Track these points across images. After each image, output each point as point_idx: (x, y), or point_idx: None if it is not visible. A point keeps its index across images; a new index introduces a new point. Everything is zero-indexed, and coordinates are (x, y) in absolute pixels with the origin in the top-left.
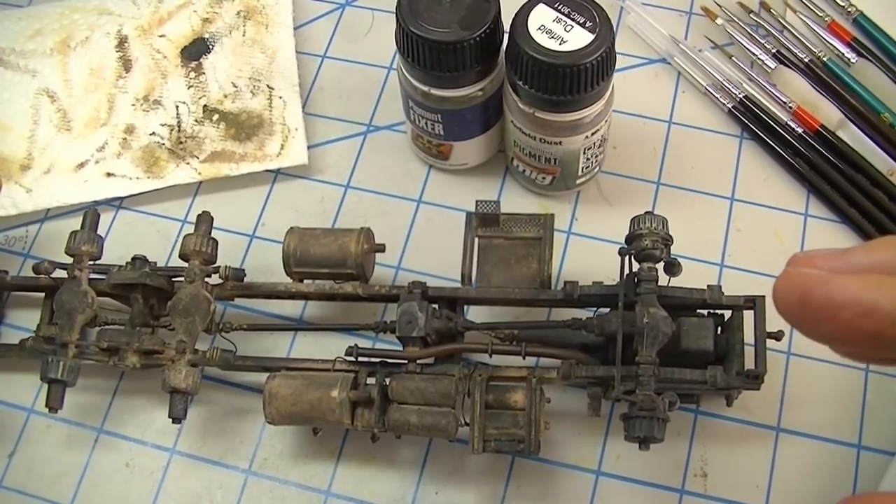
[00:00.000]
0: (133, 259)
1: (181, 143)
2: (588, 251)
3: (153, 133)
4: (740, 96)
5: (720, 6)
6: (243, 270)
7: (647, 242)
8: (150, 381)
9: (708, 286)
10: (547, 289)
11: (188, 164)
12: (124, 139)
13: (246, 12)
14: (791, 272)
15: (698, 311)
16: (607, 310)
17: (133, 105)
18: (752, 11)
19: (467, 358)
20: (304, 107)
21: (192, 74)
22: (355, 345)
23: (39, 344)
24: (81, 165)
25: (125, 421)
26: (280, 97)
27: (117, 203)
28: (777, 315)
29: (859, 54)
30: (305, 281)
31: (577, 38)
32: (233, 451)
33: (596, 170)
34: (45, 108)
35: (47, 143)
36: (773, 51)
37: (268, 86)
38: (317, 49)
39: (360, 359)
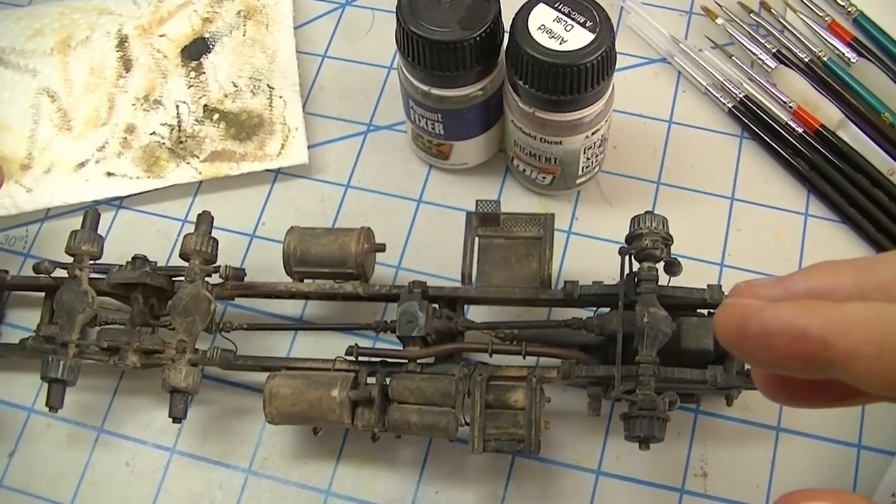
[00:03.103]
0: (133, 259)
1: (181, 142)
2: (588, 251)
3: (153, 133)
4: (740, 96)
5: (720, 6)
6: (243, 270)
7: (647, 242)
8: (151, 381)
9: (708, 286)
10: (547, 288)
11: (188, 163)
12: (125, 139)
13: (246, 12)
14: (729, 303)
15: (698, 310)
16: (607, 309)
17: (133, 105)
18: (752, 11)
19: (467, 357)
20: (304, 106)
21: (193, 74)
22: (355, 344)
23: (40, 343)
24: (82, 165)
25: (125, 420)
26: (280, 97)
27: (117, 203)
28: None
29: (859, 54)
30: (305, 280)
31: (578, 37)
32: (233, 451)
33: (596, 169)
34: (46, 108)
35: (47, 142)
36: (774, 50)
37: (268, 85)
38: (317, 49)
39: (360, 358)
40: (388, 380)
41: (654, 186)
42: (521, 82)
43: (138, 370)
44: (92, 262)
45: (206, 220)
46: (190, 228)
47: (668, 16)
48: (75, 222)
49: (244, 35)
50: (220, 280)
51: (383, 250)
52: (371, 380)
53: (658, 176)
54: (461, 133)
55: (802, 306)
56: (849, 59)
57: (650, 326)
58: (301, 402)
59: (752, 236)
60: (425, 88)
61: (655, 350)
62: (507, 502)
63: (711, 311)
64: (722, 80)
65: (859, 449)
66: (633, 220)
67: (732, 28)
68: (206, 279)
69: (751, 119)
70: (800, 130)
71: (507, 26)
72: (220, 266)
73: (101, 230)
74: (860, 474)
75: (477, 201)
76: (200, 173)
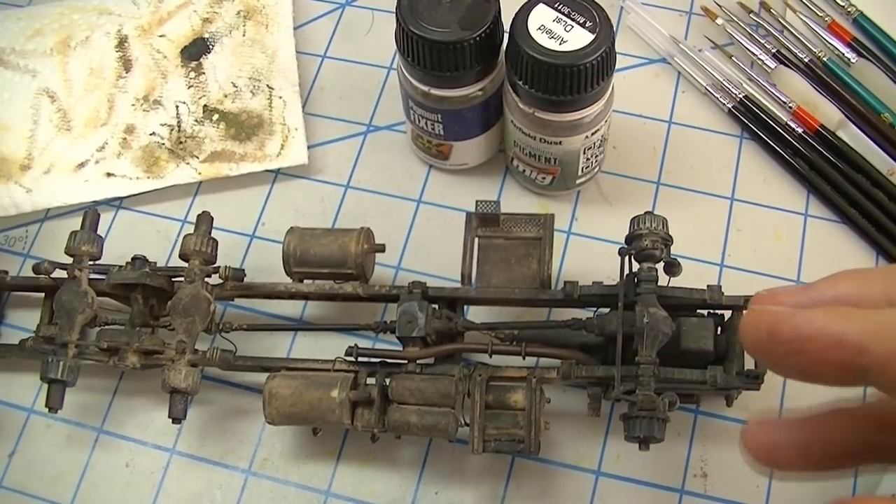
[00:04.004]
0: (133, 259)
1: (181, 142)
2: (588, 251)
3: (153, 133)
4: (740, 96)
5: (720, 6)
6: (243, 270)
7: (647, 242)
8: (150, 381)
9: (708, 286)
10: (547, 289)
11: (188, 164)
12: (124, 139)
13: (246, 12)
14: (757, 309)
15: (698, 311)
16: (607, 310)
17: (133, 105)
18: (752, 11)
19: (467, 358)
20: (304, 107)
21: (192, 74)
22: (355, 345)
23: (39, 344)
24: (81, 165)
25: (125, 421)
26: (280, 97)
27: (117, 203)
28: None
29: (859, 54)
30: (305, 281)
31: (577, 38)
32: (233, 452)
33: (596, 170)
34: (45, 108)
35: (47, 143)
36: (773, 51)
37: (268, 86)
38: (317, 49)
39: (360, 359)
40: (387, 380)
41: (653, 187)
42: (520, 83)
43: (138, 371)
44: (92, 262)
45: (205, 220)
46: (190, 229)
47: (667, 16)
48: (75, 223)
49: (244, 35)
50: (220, 280)
51: (383, 251)
52: (371, 380)
53: (658, 176)
54: (461, 133)
55: (836, 312)
56: (848, 60)
57: (650, 327)
58: (301, 403)
59: (751, 236)
60: (425, 89)
61: (655, 350)
62: (507, 502)
63: (711, 311)
64: (722, 80)
65: None
66: (632, 220)
67: (732, 28)
68: (206, 280)
69: (751, 119)
70: (799, 131)
71: (506, 26)
72: (219, 266)
73: (101, 230)
74: (860, 475)
75: (477, 202)
76: (200, 174)
